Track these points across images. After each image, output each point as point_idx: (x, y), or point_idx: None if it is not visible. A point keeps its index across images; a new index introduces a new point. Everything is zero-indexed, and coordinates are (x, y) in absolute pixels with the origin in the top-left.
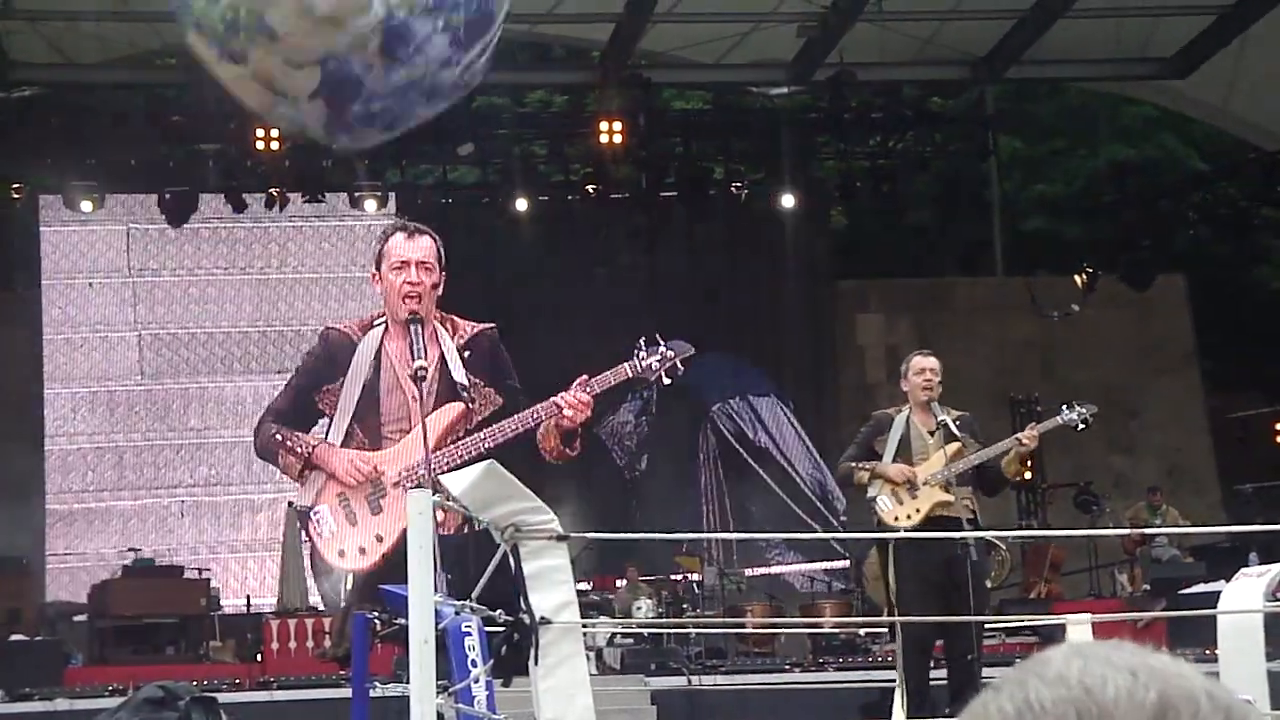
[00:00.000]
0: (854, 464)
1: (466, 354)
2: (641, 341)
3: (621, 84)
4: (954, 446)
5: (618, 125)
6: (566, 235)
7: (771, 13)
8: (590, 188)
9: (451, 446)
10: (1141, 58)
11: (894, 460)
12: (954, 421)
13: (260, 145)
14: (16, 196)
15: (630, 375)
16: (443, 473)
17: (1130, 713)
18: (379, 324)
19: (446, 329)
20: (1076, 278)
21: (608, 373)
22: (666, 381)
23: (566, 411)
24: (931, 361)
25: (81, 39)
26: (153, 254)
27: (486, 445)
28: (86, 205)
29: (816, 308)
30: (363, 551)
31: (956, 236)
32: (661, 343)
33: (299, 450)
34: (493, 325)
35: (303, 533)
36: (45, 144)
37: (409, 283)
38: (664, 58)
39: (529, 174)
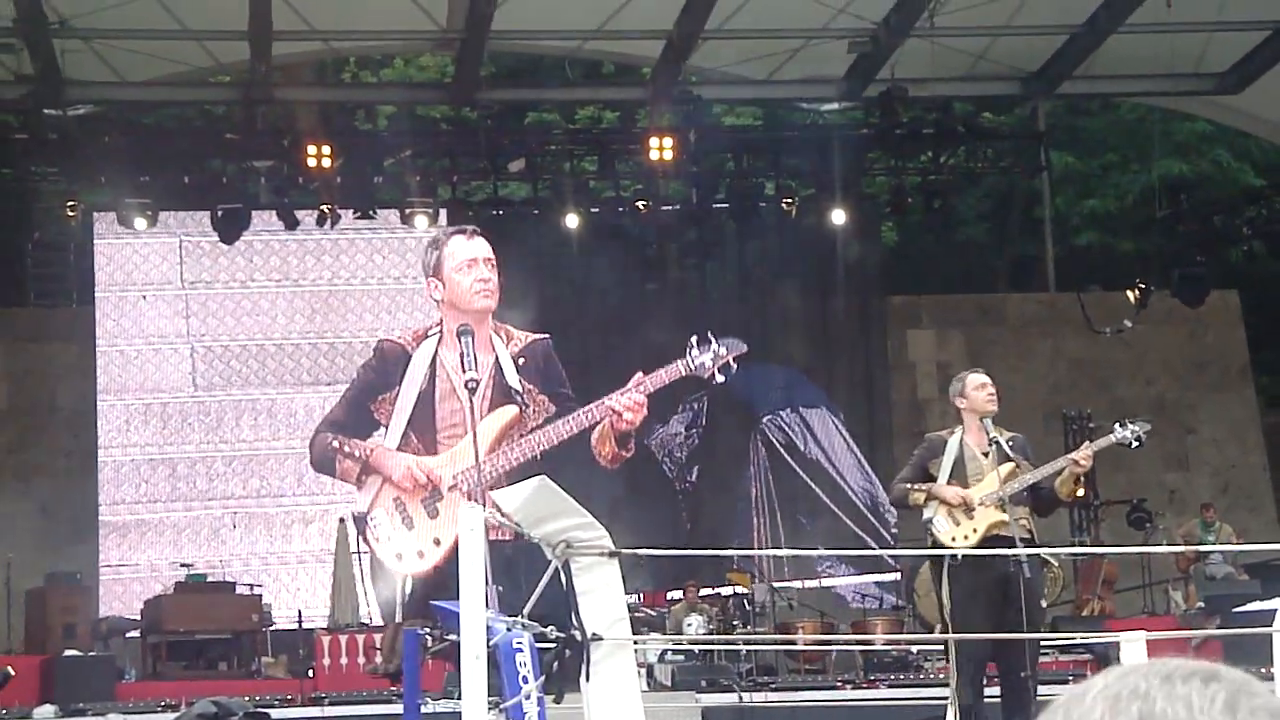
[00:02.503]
0: (909, 485)
1: (520, 361)
2: (693, 339)
3: (672, 100)
4: (1008, 467)
5: (668, 141)
6: (617, 251)
7: (822, 29)
8: (641, 203)
9: (506, 449)
10: (1195, 73)
11: (949, 482)
12: (1006, 442)
13: (312, 162)
14: (71, 214)
15: (684, 373)
16: (498, 475)
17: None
18: (433, 334)
19: (501, 338)
20: (1129, 293)
21: (661, 371)
22: (720, 379)
23: (626, 415)
24: (987, 378)
25: (135, 57)
26: (205, 266)
27: (541, 448)
28: (140, 222)
29: (867, 324)
30: (421, 555)
31: (1008, 252)
32: (713, 340)
33: (357, 454)
34: (546, 336)
35: (359, 539)
36: (99, 161)
37: (480, 280)
38: (714, 74)
39: (579, 190)
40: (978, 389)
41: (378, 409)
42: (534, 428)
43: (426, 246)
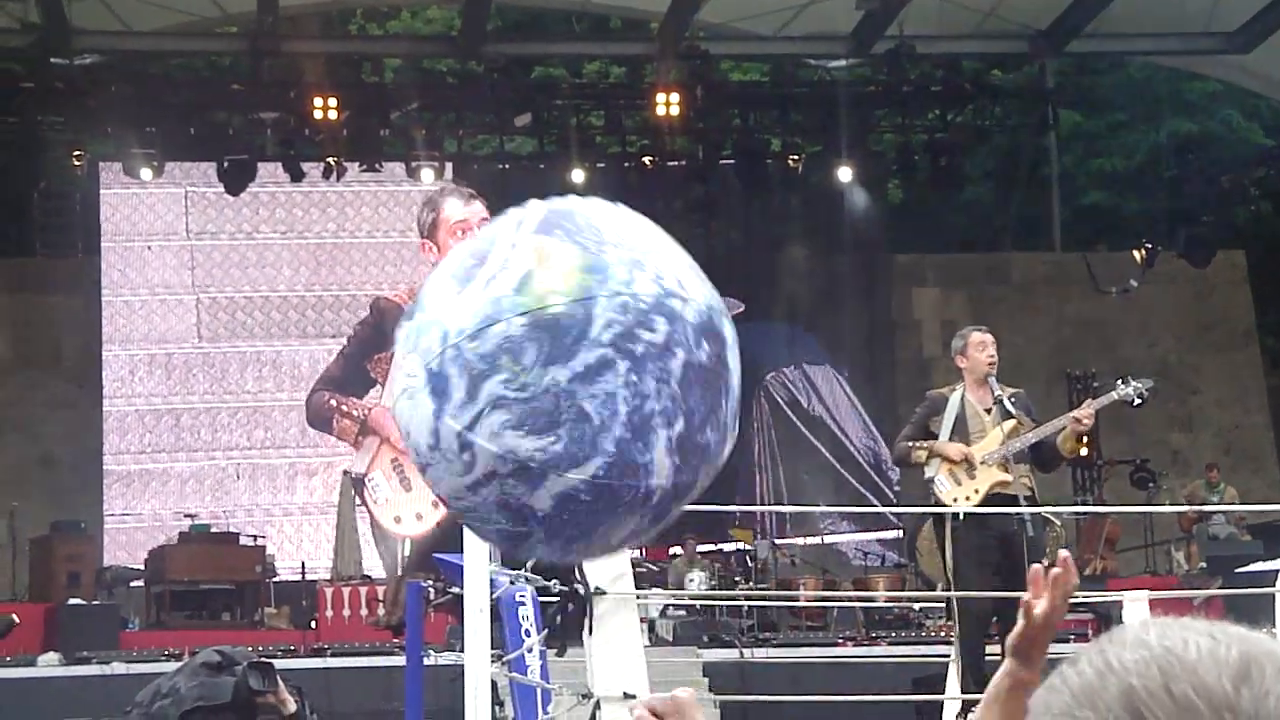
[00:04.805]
0: (911, 443)
1: None
2: None
3: (679, 55)
4: (1010, 424)
5: (675, 96)
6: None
7: None
8: (647, 159)
9: None
10: (1205, 32)
11: (950, 439)
12: (1009, 399)
13: (319, 114)
14: (78, 164)
15: None
16: None
17: (1214, 668)
18: None
19: None
20: (1135, 253)
21: None
22: None
23: None
24: (990, 336)
25: (142, 7)
26: (211, 218)
27: None
28: (146, 172)
29: (872, 281)
30: (419, 518)
31: (1015, 211)
32: None
33: (354, 414)
34: None
35: (357, 499)
36: (106, 111)
37: None
38: (722, 29)
39: (586, 145)
40: (978, 348)
41: (374, 367)
42: None
43: (422, 205)
